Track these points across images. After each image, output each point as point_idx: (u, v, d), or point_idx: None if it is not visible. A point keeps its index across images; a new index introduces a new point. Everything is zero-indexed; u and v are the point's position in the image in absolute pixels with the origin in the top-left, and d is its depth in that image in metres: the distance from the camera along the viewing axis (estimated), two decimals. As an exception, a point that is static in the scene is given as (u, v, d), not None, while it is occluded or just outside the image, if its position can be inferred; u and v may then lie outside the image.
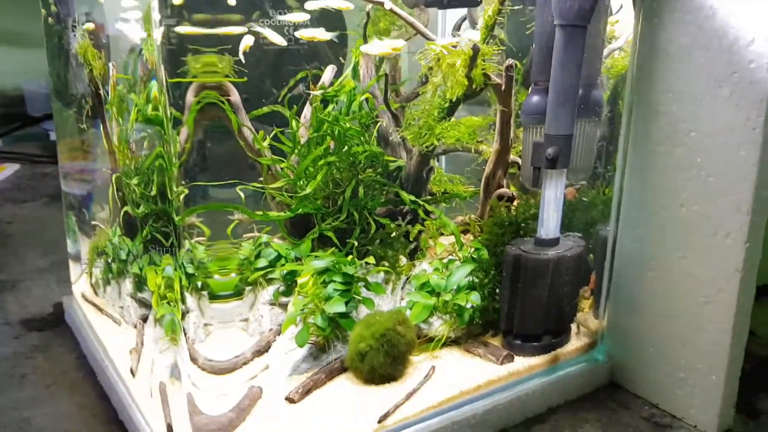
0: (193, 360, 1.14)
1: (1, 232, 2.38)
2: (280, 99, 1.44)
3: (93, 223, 1.45)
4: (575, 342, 1.49)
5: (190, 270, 1.12)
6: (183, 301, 1.01)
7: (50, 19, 1.48)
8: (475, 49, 1.17)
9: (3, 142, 3.80)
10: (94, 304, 1.53)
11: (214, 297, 1.25)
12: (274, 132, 1.46)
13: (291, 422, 1.19)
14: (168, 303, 1.08)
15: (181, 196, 1.04)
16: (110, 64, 1.16)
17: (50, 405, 1.40)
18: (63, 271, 1.92)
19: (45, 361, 1.57)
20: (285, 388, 1.26)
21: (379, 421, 1.20)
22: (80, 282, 1.65)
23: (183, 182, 1.06)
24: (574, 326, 1.50)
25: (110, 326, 1.46)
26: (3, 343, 1.63)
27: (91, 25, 1.23)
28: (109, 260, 1.36)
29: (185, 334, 1.03)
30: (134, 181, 1.07)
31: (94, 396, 1.43)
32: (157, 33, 0.95)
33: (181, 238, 1.01)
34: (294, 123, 1.41)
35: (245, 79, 1.27)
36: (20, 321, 1.75)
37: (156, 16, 0.95)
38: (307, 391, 1.26)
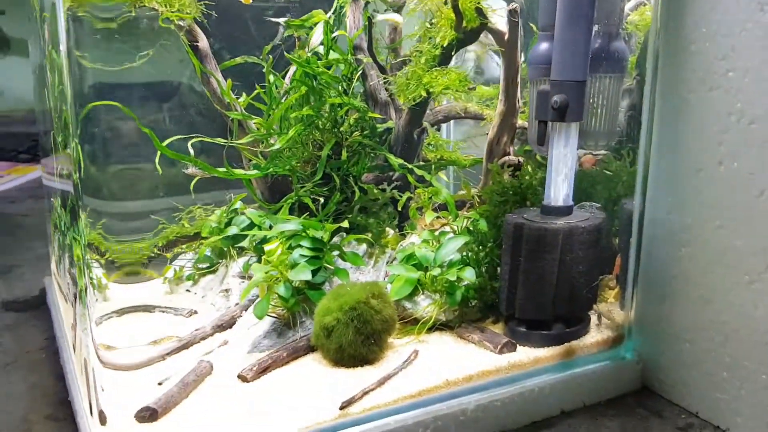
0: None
1: (15, 224, 2.35)
2: (265, 53, 1.30)
3: (51, 200, 1.35)
4: (596, 334, 1.25)
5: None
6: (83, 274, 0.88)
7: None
8: (456, -35, 1.00)
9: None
10: (57, 282, 1.42)
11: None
12: (256, 92, 1.33)
13: (239, 402, 1.01)
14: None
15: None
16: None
17: (1, 384, 1.28)
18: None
19: (11, 341, 1.46)
20: (242, 365, 1.09)
21: (341, 408, 1.00)
22: (53, 261, 1.55)
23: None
24: (594, 316, 1.27)
25: (63, 304, 1.33)
26: (-23, 323, 1.54)
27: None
28: (58, 234, 1.24)
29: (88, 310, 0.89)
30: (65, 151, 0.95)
31: (52, 376, 1.30)
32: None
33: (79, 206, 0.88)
34: (271, 77, 1.27)
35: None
36: (1, 302, 1.66)
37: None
38: (263, 370, 1.08)
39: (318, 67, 1.16)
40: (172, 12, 1.17)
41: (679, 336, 1.19)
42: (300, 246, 1.15)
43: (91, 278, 0.96)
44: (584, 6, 1.09)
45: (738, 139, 1.05)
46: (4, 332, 1.49)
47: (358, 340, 1.09)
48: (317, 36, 1.37)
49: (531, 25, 1.31)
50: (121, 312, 1.28)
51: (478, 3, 1.10)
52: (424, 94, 1.17)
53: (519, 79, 1.28)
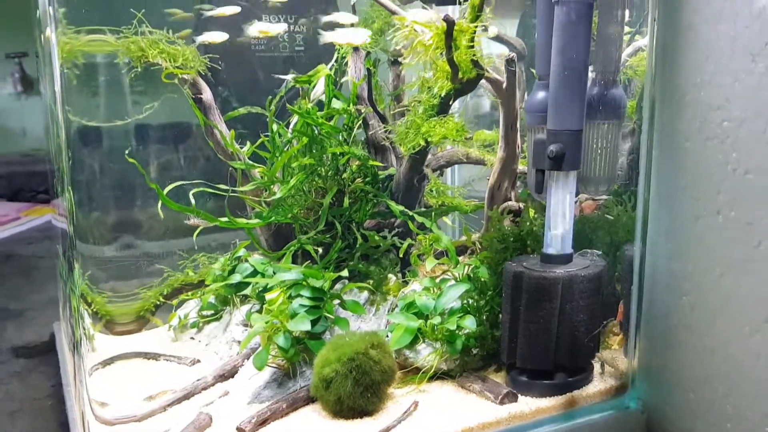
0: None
1: (30, 266, 2.38)
2: (269, 105, 1.33)
3: (57, 246, 1.38)
4: (599, 384, 1.23)
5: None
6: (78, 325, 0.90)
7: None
8: (448, 21, 1.01)
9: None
10: (64, 328, 1.44)
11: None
12: (261, 140, 1.35)
13: (237, 455, 1.01)
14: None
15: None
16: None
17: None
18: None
19: (19, 387, 1.48)
20: (242, 416, 1.09)
21: (339, 461, 1.00)
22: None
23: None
24: (597, 365, 1.25)
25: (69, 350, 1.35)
26: (-14, 369, 1.57)
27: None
28: (62, 285, 1.27)
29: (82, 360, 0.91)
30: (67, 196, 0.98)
31: (56, 423, 1.32)
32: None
33: (73, 255, 0.90)
34: (275, 125, 1.29)
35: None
36: (11, 348, 1.68)
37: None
38: (262, 422, 1.08)
39: (319, 118, 1.18)
40: (175, 66, 1.20)
41: (684, 385, 1.18)
42: (300, 295, 1.16)
43: (85, 328, 0.97)
44: (579, 56, 1.11)
45: (735, 188, 1.05)
46: (12, 379, 1.51)
47: (356, 392, 1.08)
48: (319, 87, 1.39)
49: (532, 70, 1.33)
50: (126, 358, 1.29)
51: (474, 55, 1.12)
52: (422, 143, 1.19)
53: (518, 125, 1.29)
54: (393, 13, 1.13)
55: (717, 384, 1.11)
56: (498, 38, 1.51)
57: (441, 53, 1.10)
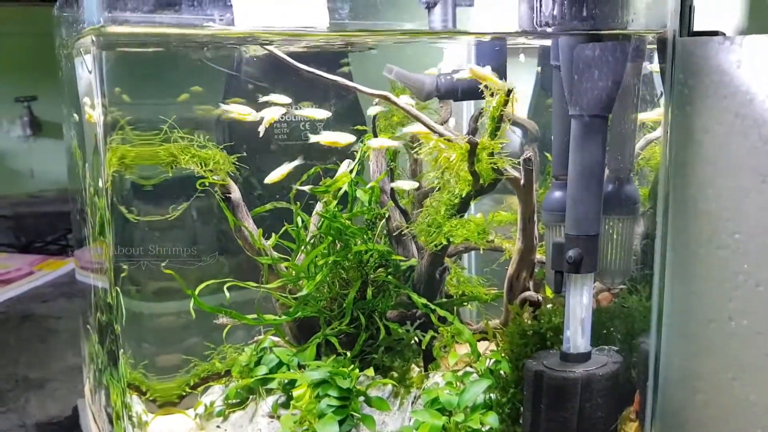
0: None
1: (46, 328, 2.41)
2: (291, 195, 1.38)
3: (87, 326, 1.41)
4: (616, 474, 1.27)
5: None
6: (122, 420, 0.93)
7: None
8: (471, 143, 1.07)
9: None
10: (92, 411, 1.47)
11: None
12: (283, 229, 1.40)
13: None
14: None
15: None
16: (86, 164, 1.15)
17: None
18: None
19: (48, 469, 1.50)
20: None
21: None
22: (87, 385, 1.60)
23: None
24: (614, 455, 1.29)
25: (101, 436, 1.38)
26: (11, 448, 1.59)
27: (76, 117, 1.23)
28: (94, 367, 1.30)
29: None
30: (99, 285, 1.02)
31: None
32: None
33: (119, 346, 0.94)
34: (299, 219, 1.34)
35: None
36: (35, 423, 1.71)
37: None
38: None
39: (344, 220, 1.24)
40: (206, 170, 1.25)
41: (699, 478, 1.21)
42: (328, 395, 1.20)
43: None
44: (596, 164, 1.16)
45: (746, 298, 1.09)
46: (40, 459, 1.55)
47: (385, 493, 1.12)
48: (344, 169, 1.44)
49: (546, 154, 1.38)
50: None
51: (494, 163, 1.17)
52: (444, 242, 1.24)
53: (535, 218, 1.34)
54: (431, 129, 1.17)
55: (731, 479, 1.15)
56: (513, 121, 1.57)
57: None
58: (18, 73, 4.21)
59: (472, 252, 1.59)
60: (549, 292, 1.46)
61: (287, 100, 1.31)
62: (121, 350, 0.98)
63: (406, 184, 1.29)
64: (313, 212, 1.44)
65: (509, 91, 1.14)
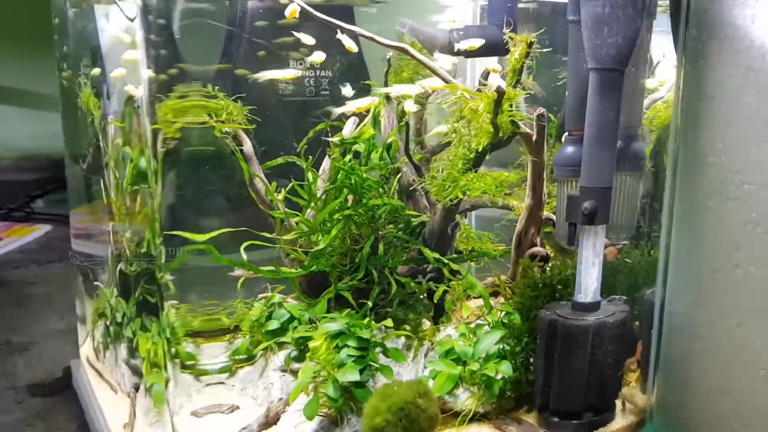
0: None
1: (22, 293, 2.34)
2: (297, 150, 1.37)
3: (95, 283, 1.38)
4: (621, 420, 1.32)
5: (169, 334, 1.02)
6: (165, 368, 0.92)
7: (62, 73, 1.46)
8: (499, 92, 1.08)
9: (43, 204, 3.84)
10: (96, 369, 1.44)
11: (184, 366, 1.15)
12: (291, 185, 1.39)
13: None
14: (156, 371, 0.98)
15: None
16: (109, 117, 1.11)
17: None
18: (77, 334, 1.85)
19: (45, 429, 1.47)
20: (292, 465, 1.13)
21: None
22: (85, 345, 1.57)
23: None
24: (619, 402, 1.34)
25: (109, 394, 1.36)
26: (5, 410, 1.55)
27: (97, 71, 1.19)
28: (107, 323, 1.27)
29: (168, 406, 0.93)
30: (127, 236, 0.99)
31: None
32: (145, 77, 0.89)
33: (163, 298, 0.92)
34: (310, 174, 1.33)
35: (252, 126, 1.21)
36: (26, 386, 1.67)
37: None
38: (316, 470, 1.13)
39: (362, 173, 1.23)
40: (218, 121, 1.23)
41: (699, 422, 1.27)
42: (347, 346, 1.20)
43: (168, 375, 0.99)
44: (612, 119, 1.18)
45: (753, 246, 1.14)
46: (36, 420, 1.51)
47: (406, 439, 1.14)
48: (348, 130, 1.44)
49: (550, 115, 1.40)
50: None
51: (511, 115, 1.18)
52: (461, 195, 1.25)
53: (545, 176, 1.36)
54: (446, 82, 1.18)
55: (731, 421, 1.21)
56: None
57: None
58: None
59: (473, 212, 1.61)
60: (549, 249, 1.49)
61: (312, 41, 1.28)
62: (168, 300, 0.97)
63: (440, 128, 1.28)
64: (321, 169, 1.43)
65: (531, 43, 1.15)
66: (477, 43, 1.23)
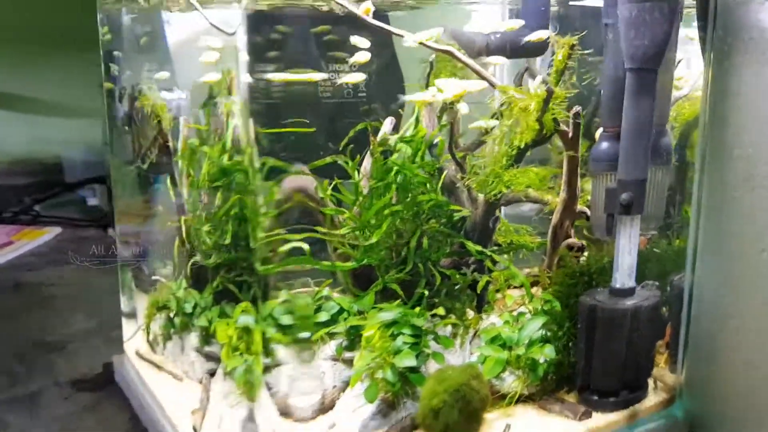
0: (286, 414, 1.09)
1: (44, 295, 2.36)
2: (341, 149, 1.43)
3: (153, 278, 1.42)
4: (653, 397, 1.41)
5: (287, 321, 1.07)
6: (269, 354, 0.97)
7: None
8: (549, 92, 1.15)
9: (42, 208, 3.84)
10: (151, 362, 1.49)
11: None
12: (334, 183, 1.45)
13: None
14: (241, 355, 1.04)
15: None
16: (181, 118, 1.17)
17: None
18: (110, 332, 1.90)
19: (97, 423, 1.51)
20: (356, 446, 1.19)
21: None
22: (134, 340, 1.61)
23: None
24: (650, 381, 1.43)
25: (170, 384, 1.41)
26: (54, 405, 1.59)
27: (165, 74, 1.24)
28: (171, 315, 1.32)
29: (269, 389, 0.99)
30: (206, 228, 1.05)
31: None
32: (244, 82, 0.95)
33: (269, 288, 0.98)
34: (356, 174, 1.39)
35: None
36: (69, 381, 1.70)
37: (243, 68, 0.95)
38: (379, 451, 1.19)
39: (413, 170, 1.30)
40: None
41: (728, 395, 1.36)
42: (402, 333, 1.27)
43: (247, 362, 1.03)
44: (648, 115, 1.26)
45: (781, 232, 1.23)
46: (85, 414, 1.55)
47: (461, 419, 1.21)
48: (387, 127, 1.50)
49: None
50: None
51: (554, 113, 1.26)
52: (505, 190, 1.32)
53: (579, 171, 1.44)
54: (490, 83, 1.25)
55: (760, 393, 1.30)
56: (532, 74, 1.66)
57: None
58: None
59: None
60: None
61: (367, 43, 1.34)
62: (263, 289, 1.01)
63: (490, 123, 1.35)
64: (362, 167, 1.49)
65: (573, 46, 1.22)
66: (545, 34, 1.29)
